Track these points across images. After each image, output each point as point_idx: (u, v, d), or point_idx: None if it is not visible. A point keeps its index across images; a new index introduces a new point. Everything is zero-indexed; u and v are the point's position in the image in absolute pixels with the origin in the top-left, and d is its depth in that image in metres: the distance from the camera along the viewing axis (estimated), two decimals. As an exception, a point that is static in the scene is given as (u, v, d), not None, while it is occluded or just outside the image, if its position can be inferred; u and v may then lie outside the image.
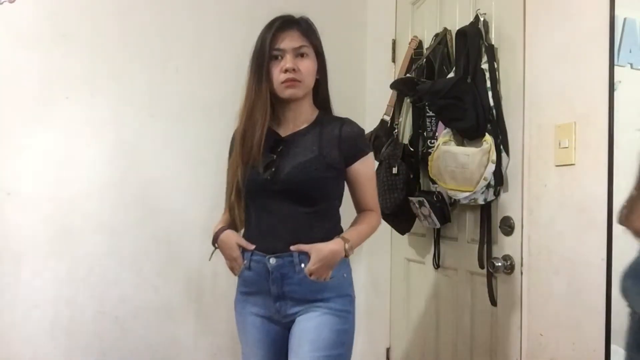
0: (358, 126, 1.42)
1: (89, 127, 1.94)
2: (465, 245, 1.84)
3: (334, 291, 1.36)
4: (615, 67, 1.30)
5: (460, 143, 1.74)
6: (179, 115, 2.08)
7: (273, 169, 1.33)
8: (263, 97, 1.35)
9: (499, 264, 1.63)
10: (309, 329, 1.33)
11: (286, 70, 1.33)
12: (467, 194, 1.63)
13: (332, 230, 1.39)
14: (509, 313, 1.63)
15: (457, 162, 1.66)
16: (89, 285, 1.94)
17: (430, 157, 1.80)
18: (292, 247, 1.33)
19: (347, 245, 1.34)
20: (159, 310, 2.05)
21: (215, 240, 1.43)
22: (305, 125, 1.41)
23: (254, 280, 1.38)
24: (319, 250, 1.32)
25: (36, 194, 1.87)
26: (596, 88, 1.33)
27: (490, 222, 1.70)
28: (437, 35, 1.93)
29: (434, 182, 1.82)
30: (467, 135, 1.70)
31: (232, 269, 1.43)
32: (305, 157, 1.35)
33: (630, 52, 1.33)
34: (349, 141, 1.37)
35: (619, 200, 1.28)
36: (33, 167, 1.86)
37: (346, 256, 1.35)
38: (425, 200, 1.80)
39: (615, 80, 1.30)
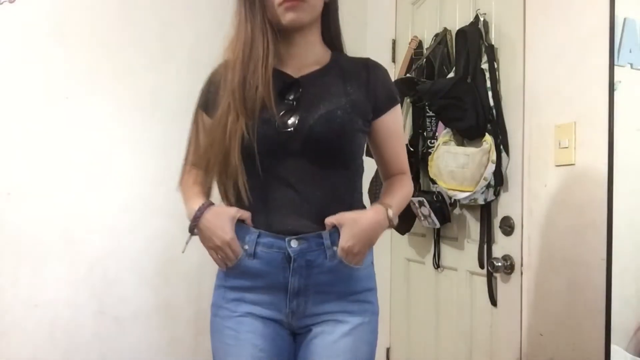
0: (386, 70, 1.16)
1: (89, 127, 1.94)
2: (465, 245, 1.84)
3: (367, 282, 1.09)
4: (615, 67, 1.30)
5: (460, 143, 1.74)
6: (179, 115, 2.06)
7: (294, 120, 1.02)
8: (260, 23, 1.04)
9: (499, 264, 1.63)
10: (343, 348, 1.03)
11: None
12: (467, 194, 1.63)
13: (361, 201, 1.13)
14: (509, 313, 1.63)
15: (457, 162, 1.66)
16: (89, 285, 1.94)
17: (430, 157, 1.80)
18: (328, 220, 1.02)
19: (390, 212, 1.05)
20: (159, 310, 2.05)
21: (195, 223, 1.06)
22: (321, 65, 1.11)
23: (261, 272, 1.03)
24: (354, 222, 1.02)
25: (36, 193, 1.87)
26: (596, 88, 1.33)
27: (490, 222, 1.70)
28: (437, 35, 1.93)
29: (434, 182, 1.82)
30: (467, 135, 1.70)
31: (224, 259, 1.06)
32: (333, 103, 1.04)
33: (630, 52, 1.33)
34: (381, 86, 1.10)
35: (619, 201, 1.28)
36: (33, 167, 1.86)
37: (390, 226, 1.07)
38: (425, 200, 1.80)
39: (615, 80, 1.30)
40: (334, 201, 1.05)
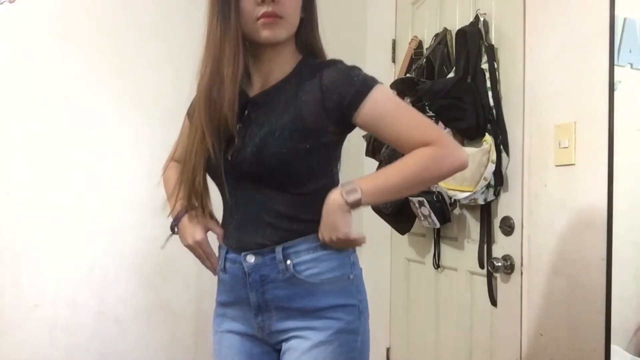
0: (345, 65, 1.03)
1: (89, 127, 1.94)
2: (465, 245, 1.84)
3: (335, 298, 1.02)
4: (615, 67, 1.30)
5: (460, 143, 1.74)
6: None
7: (236, 146, 1.00)
8: (232, 39, 0.98)
9: (499, 264, 1.63)
10: None
11: (263, 1, 0.97)
12: (467, 194, 1.63)
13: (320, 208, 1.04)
14: (509, 313, 1.63)
15: (457, 162, 1.66)
16: (89, 285, 1.94)
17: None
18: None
19: (344, 191, 0.96)
20: (159, 310, 2.05)
21: (175, 223, 1.13)
22: (280, 79, 1.04)
23: (231, 286, 1.07)
24: (324, 213, 1.00)
25: (36, 193, 1.87)
26: (596, 88, 1.33)
27: (490, 222, 1.70)
28: (437, 35, 1.93)
29: (434, 182, 1.82)
30: (467, 135, 1.70)
31: (204, 262, 1.13)
32: (277, 122, 0.99)
33: (630, 52, 1.33)
34: (335, 88, 0.98)
35: (619, 201, 1.28)
36: (33, 166, 1.86)
37: (348, 204, 0.96)
38: (425, 200, 1.80)
39: (615, 80, 1.30)
40: (289, 219, 1.01)
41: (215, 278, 1.15)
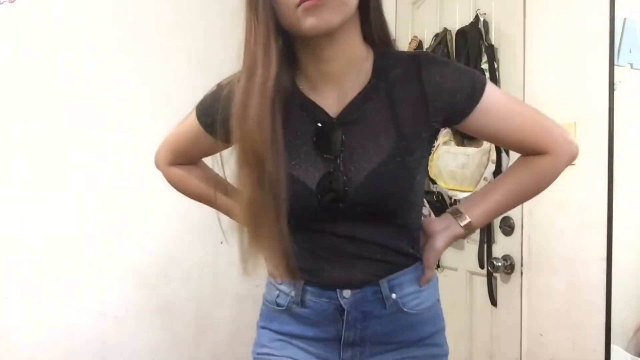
0: (443, 60, 0.91)
1: (89, 127, 1.94)
2: (465, 245, 1.84)
3: (433, 325, 0.95)
4: (615, 67, 1.30)
5: (460, 143, 1.74)
6: (180, 115, 2.07)
7: (336, 186, 0.82)
8: (263, 40, 0.78)
9: (499, 264, 1.63)
10: None
11: None
12: (467, 194, 1.63)
13: (420, 240, 0.96)
14: (509, 313, 1.63)
15: (457, 162, 1.66)
16: (89, 285, 1.94)
17: (430, 157, 1.80)
18: (424, 280, 0.92)
19: (459, 222, 0.92)
20: (159, 310, 2.05)
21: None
22: (361, 86, 0.85)
23: (313, 322, 0.91)
24: (437, 253, 0.93)
25: (36, 193, 1.87)
26: (596, 88, 1.33)
27: (491, 222, 1.70)
28: (437, 35, 1.93)
29: (434, 182, 1.82)
30: (467, 135, 1.70)
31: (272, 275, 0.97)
32: (381, 147, 0.83)
33: (630, 52, 1.33)
34: (442, 93, 0.83)
35: (619, 201, 1.28)
36: (33, 166, 1.86)
37: (463, 237, 0.94)
38: (425, 200, 1.80)
39: (615, 80, 1.30)
40: (392, 251, 0.89)
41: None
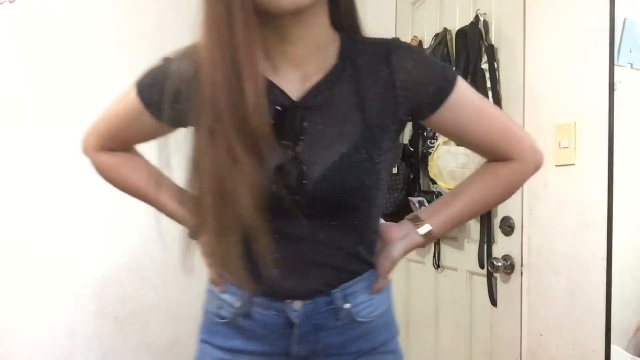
0: (415, 48, 0.85)
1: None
2: (465, 245, 1.84)
3: (387, 331, 0.92)
4: (615, 67, 1.30)
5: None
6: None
7: (296, 174, 0.74)
8: (243, 11, 0.67)
9: (499, 264, 1.63)
10: None
11: None
12: (467, 194, 1.63)
13: (376, 243, 0.88)
14: (509, 313, 1.63)
15: (457, 162, 1.66)
16: (89, 285, 1.94)
17: (430, 157, 1.80)
18: (377, 288, 0.86)
19: (419, 230, 0.87)
20: (159, 310, 2.05)
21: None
22: (326, 70, 0.78)
23: (259, 336, 0.84)
24: (390, 265, 0.88)
25: (36, 193, 1.87)
26: (596, 88, 1.33)
27: (490, 222, 1.70)
28: (437, 35, 1.93)
29: (434, 182, 1.82)
30: (467, 135, 1.70)
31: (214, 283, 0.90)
32: (344, 140, 0.75)
33: (630, 52, 1.33)
34: (413, 84, 0.78)
35: (619, 201, 1.28)
36: (33, 167, 1.86)
37: (422, 246, 0.90)
38: (425, 200, 1.80)
39: (615, 80, 1.30)
40: (348, 255, 0.82)
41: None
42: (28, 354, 1.86)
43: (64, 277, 1.91)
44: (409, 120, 0.85)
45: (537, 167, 0.89)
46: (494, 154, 0.86)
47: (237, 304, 0.84)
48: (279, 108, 0.75)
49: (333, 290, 0.82)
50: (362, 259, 0.84)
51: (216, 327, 0.87)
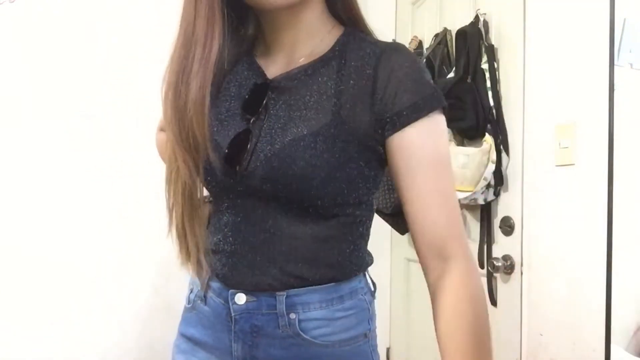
0: (413, 56, 0.75)
1: (90, 127, 1.94)
2: (465, 245, 1.84)
3: None
4: (615, 67, 1.30)
5: (460, 143, 1.74)
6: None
7: (246, 145, 0.73)
8: (205, 8, 0.74)
9: (499, 263, 1.63)
10: None
11: None
12: (467, 194, 1.63)
13: (351, 255, 0.79)
14: (509, 313, 1.63)
15: (457, 162, 1.66)
16: (89, 285, 1.94)
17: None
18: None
19: None
20: (159, 310, 2.05)
21: None
22: (313, 58, 0.77)
23: (211, 324, 0.80)
24: None
25: (36, 194, 1.87)
26: (596, 88, 1.33)
27: (490, 222, 1.70)
28: (437, 35, 1.93)
29: (434, 182, 1.82)
30: (467, 135, 1.70)
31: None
32: (307, 122, 0.72)
33: (630, 52, 1.33)
34: (397, 85, 0.71)
35: (619, 201, 1.28)
36: (33, 168, 1.86)
37: None
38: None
39: (615, 80, 1.30)
40: (303, 256, 0.74)
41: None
42: (27, 353, 1.86)
43: (63, 277, 1.91)
44: (379, 136, 0.74)
45: (478, 277, 0.77)
46: (426, 234, 0.74)
47: (199, 285, 0.83)
48: (253, 85, 0.78)
49: (278, 292, 0.74)
50: (322, 266, 0.75)
51: (185, 313, 0.90)
